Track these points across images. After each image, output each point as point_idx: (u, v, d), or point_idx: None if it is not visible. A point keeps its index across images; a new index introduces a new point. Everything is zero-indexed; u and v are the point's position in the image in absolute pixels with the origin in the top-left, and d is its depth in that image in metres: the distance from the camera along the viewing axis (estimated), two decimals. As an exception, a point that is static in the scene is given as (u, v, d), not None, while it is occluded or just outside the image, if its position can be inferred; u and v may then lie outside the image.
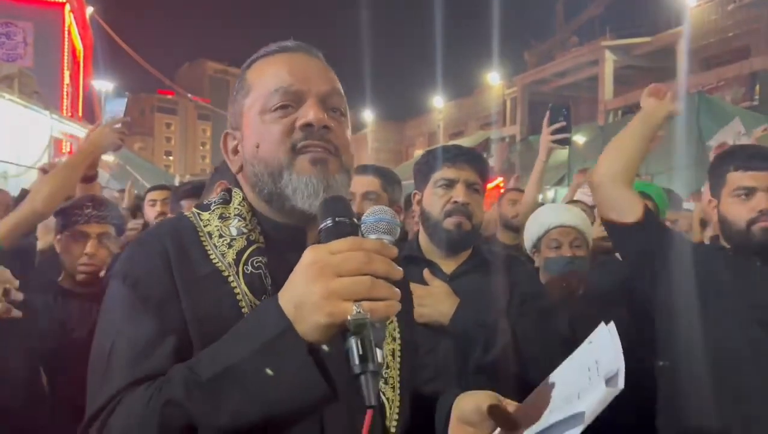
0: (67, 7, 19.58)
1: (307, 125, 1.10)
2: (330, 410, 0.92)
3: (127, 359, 0.99)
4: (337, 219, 0.93)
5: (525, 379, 1.96)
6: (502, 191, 5.69)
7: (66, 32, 19.47)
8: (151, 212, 4.06)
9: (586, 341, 1.06)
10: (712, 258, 2.15)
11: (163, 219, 1.32)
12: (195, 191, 3.21)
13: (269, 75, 1.16)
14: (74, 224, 2.40)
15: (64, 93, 19.11)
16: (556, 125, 3.03)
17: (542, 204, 4.28)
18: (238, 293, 1.07)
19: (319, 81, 1.16)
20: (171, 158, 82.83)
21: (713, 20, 22.88)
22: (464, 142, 24.80)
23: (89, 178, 2.84)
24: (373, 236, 0.94)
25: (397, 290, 0.88)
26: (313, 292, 0.86)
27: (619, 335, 1.00)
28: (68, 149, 16.62)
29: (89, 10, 23.39)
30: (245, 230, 1.14)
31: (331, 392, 0.88)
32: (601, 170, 2.23)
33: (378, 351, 0.85)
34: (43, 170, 3.14)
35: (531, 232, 2.80)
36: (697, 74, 22.21)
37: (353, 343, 0.84)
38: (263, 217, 1.18)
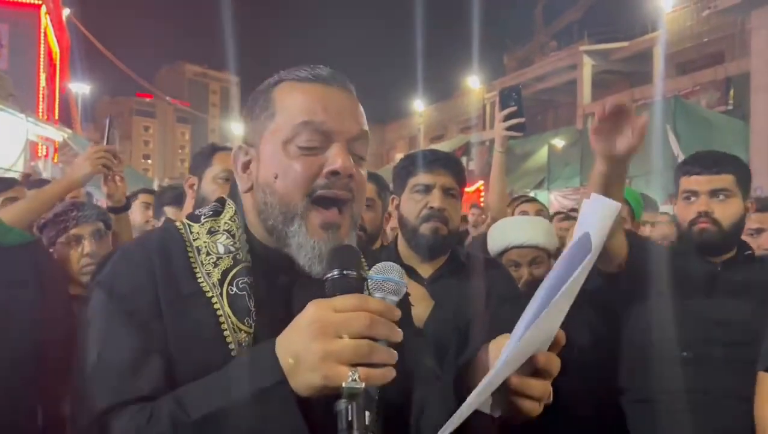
0: (43, 9, 19.34)
1: (334, 173, 1.07)
2: None
3: (114, 377, 0.97)
4: (345, 272, 0.92)
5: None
6: (482, 194, 5.71)
7: (42, 34, 19.23)
8: (142, 216, 4.05)
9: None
10: (677, 258, 2.25)
11: (152, 230, 1.32)
12: (178, 199, 3.25)
13: (300, 104, 1.09)
14: (65, 231, 2.40)
15: (40, 96, 18.87)
16: (508, 110, 2.76)
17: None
18: (221, 315, 1.05)
19: (351, 122, 1.11)
20: (150, 161, 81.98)
21: (689, 26, 23.24)
22: (445, 145, 24.88)
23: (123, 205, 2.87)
24: (378, 295, 0.91)
25: (394, 353, 0.88)
26: (312, 351, 0.85)
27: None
28: (44, 153, 16.40)
29: (66, 11, 23.11)
30: (233, 249, 1.11)
31: None
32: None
33: (367, 413, 0.84)
34: (26, 176, 3.12)
35: (492, 245, 2.73)
36: (673, 79, 22.53)
37: (343, 407, 0.83)
38: (254, 237, 1.15)
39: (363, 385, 0.83)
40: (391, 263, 0.96)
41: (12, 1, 18.79)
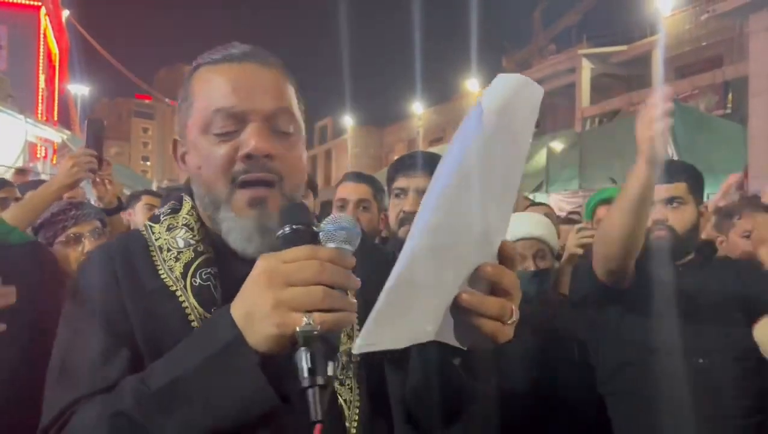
0: (43, 11, 19.36)
1: (248, 157, 1.04)
2: (284, 420, 0.89)
3: (81, 371, 0.98)
4: (294, 226, 0.91)
5: (498, 381, 1.97)
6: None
7: (41, 36, 19.24)
8: (144, 217, 4.05)
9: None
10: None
11: (118, 235, 1.32)
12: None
13: (211, 90, 1.07)
14: (64, 231, 2.40)
15: (39, 97, 18.88)
16: None
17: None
18: (187, 307, 1.04)
19: (265, 99, 1.06)
20: (148, 163, 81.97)
21: (687, 30, 23.29)
22: (444, 148, 24.85)
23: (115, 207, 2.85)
24: (331, 245, 0.89)
25: (353, 301, 0.86)
26: (263, 302, 0.84)
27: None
28: (43, 154, 16.39)
29: (65, 13, 23.13)
30: (193, 241, 1.10)
31: (282, 404, 0.86)
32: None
33: (330, 363, 0.83)
34: (21, 171, 3.11)
35: None
36: (672, 82, 22.56)
37: (302, 356, 0.82)
38: (210, 228, 1.14)
39: (318, 327, 0.81)
40: (343, 214, 0.94)
41: (11, 3, 18.79)
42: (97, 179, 2.67)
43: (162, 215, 1.16)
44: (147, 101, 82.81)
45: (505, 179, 0.88)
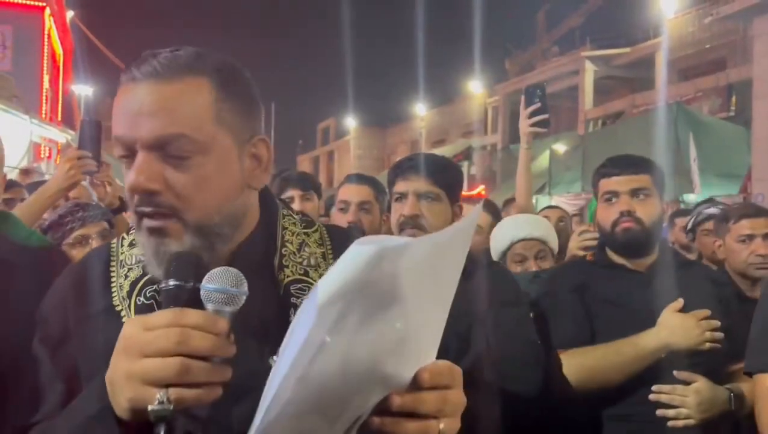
0: (47, 11, 19.41)
1: (131, 190, 0.95)
2: None
3: (23, 401, 1.01)
4: (177, 283, 0.85)
5: (499, 390, 1.97)
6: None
7: (46, 36, 19.29)
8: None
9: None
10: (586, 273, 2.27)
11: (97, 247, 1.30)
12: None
13: (113, 113, 0.98)
14: (71, 232, 2.40)
15: (44, 97, 18.92)
16: (533, 107, 2.89)
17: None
18: None
19: (151, 125, 0.93)
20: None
21: (691, 32, 23.24)
22: (446, 150, 24.91)
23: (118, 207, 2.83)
24: (210, 307, 0.82)
25: (223, 371, 0.79)
26: (118, 371, 0.79)
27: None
28: (47, 154, 16.42)
29: (69, 13, 23.19)
30: (143, 258, 1.02)
31: None
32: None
33: None
34: (25, 171, 3.09)
35: (495, 246, 2.78)
36: (675, 85, 22.53)
37: (159, 432, 0.76)
38: None
39: (171, 407, 0.75)
40: (229, 269, 0.84)
41: (16, 3, 18.86)
42: (96, 181, 2.64)
43: (130, 231, 1.11)
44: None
45: (428, 311, 0.84)
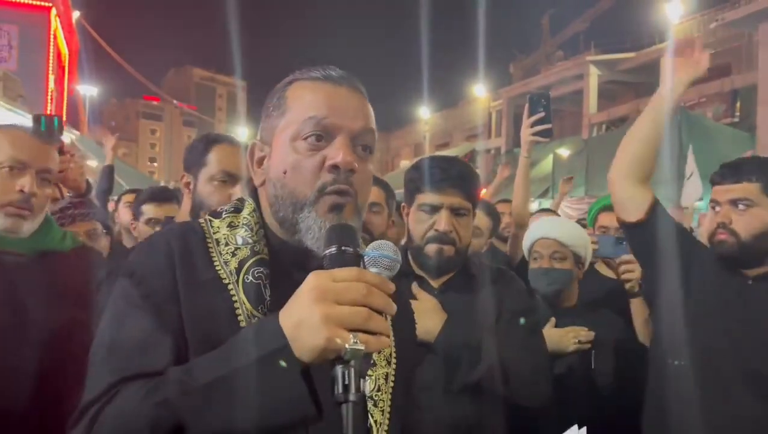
0: (53, 11, 19.47)
1: (335, 167, 1.10)
2: (315, 429, 0.95)
3: (125, 353, 1.01)
4: (342, 248, 0.95)
5: (511, 399, 1.94)
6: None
7: (52, 36, 19.35)
8: (127, 215, 4.08)
9: None
10: (708, 262, 2.17)
11: (175, 223, 1.38)
12: (154, 195, 3.30)
13: (307, 101, 1.14)
14: (62, 227, 2.40)
15: (49, 97, 18.97)
16: (536, 116, 2.85)
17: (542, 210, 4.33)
18: (236, 301, 1.09)
19: (355, 117, 1.14)
20: (155, 164, 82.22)
21: (696, 38, 23.23)
22: (449, 153, 24.85)
23: (84, 191, 2.80)
24: (374, 270, 0.95)
25: (388, 324, 0.91)
26: (314, 315, 0.88)
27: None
28: (51, 154, 16.43)
29: (75, 14, 23.27)
30: (251, 241, 1.15)
31: (318, 413, 0.91)
32: (612, 168, 2.25)
33: (362, 381, 0.87)
34: None
35: (524, 245, 2.89)
36: (680, 90, 22.49)
37: (339, 372, 0.87)
38: (271, 232, 1.19)
39: (363, 347, 0.86)
40: (386, 241, 0.99)
41: (22, 3, 18.92)
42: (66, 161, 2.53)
43: (224, 213, 1.21)
44: (155, 103, 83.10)
45: None
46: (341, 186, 1.10)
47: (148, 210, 3.24)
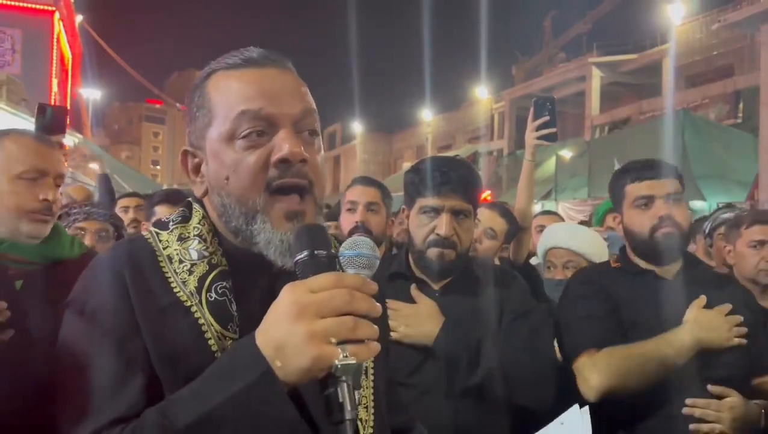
0: (57, 15, 19.52)
1: (283, 161, 1.00)
2: None
3: (96, 402, 0.94)
4: (315, 252, 0.88)
5: (512, 401, 1.93)
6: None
7: (55, 40, 19.39)
8: (123, 219, 4.08)
9: (558, 421, 1.01)
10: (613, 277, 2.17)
11: (119, 242, 1.31)
12: (168, 197, 3.29)
13: (234, 94, 1.03)
14: (74, 223, 2.45)
15: (52, 101, 19.01)
16: (541, 120, 2.85)
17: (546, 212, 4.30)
18: (203, 324, 0.99)
19: (292, 101, 1.03)
20: (158, 167, 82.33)
21: (698, 39, 23.22)
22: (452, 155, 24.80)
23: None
24: (351, 271, 0.89)
25: (376, 328, 0.85)
26: (295, 334, 0.81)
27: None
28: (54, 157, 16.48)
29: (78, 18, 23.34)
30: (206, 253, 1.04)
31: (314, 432, 0.87)
32: (603, 378, 1.94)
33: (356, 393, 0.83)
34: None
35: (539, 248, 2.89)
36: (682, 91, 22.49)
37: (333, 390, 0.82)
38: (225, 239, 1.08)
39: (355, 360, 0.81)
40: (362, 238, 0.92)
41: (26, 7, 18.98)
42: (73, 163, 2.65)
43: (171, 223, 1.10)
44: (158, 106, 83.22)
45: None
46: (292, 180, 1.01)
47: (161, 211, 3.24)
